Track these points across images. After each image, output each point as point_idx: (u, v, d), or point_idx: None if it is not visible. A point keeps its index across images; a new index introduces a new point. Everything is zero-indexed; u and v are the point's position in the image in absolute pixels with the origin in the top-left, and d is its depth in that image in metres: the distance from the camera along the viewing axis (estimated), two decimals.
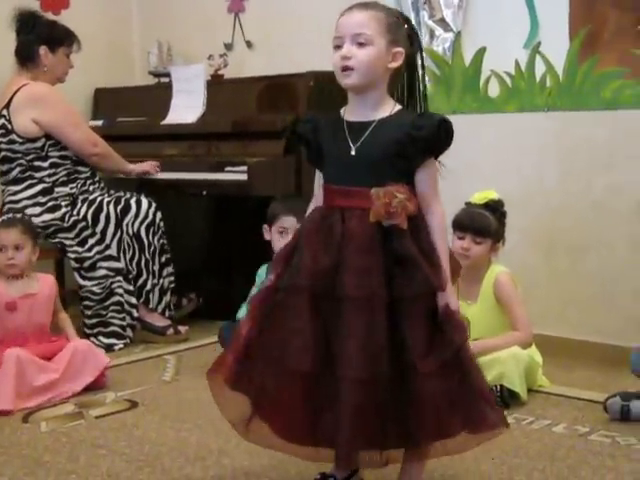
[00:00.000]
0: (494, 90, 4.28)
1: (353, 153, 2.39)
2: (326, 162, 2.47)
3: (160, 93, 5.25)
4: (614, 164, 3.97)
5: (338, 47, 2.39)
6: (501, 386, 3.44)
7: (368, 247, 2.33)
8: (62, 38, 4.56)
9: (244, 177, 4.35)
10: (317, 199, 2.52)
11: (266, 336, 2.41)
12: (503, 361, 3.47)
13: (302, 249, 2.40)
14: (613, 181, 3.98)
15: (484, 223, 3.64)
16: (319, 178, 2.52)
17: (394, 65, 2.40)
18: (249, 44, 5.27)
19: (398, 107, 2.43)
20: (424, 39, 4.43)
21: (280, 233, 3.82)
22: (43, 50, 4.49)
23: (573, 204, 4.10)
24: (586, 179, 4.06)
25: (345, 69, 2.36)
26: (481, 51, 4.29)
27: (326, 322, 2.33)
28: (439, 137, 2.36)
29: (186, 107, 5.01)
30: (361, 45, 2.35)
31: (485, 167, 4.30)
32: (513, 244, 3.84)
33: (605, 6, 3.94)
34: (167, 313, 4.61)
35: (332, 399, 2.30)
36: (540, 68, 4.12)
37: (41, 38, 4.49)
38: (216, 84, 5.09)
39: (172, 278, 4.63)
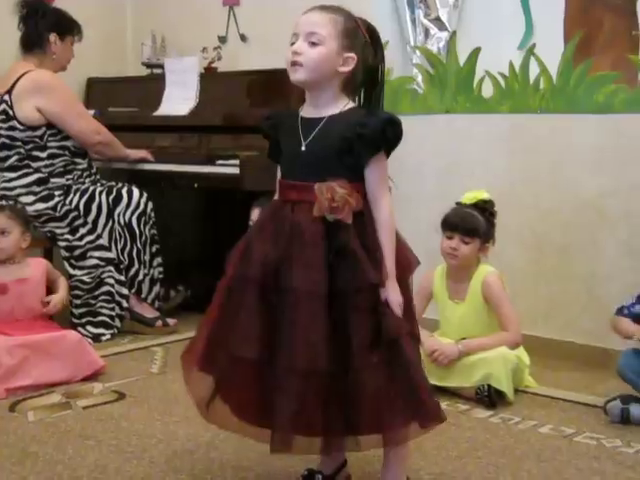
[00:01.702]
0: (488, 91, 4.29)
1: (303, 149, 2.44)
2: (282, 157, 2.53)
3: (153, 84, 5.24)
4: (604, 167, 3.99)
5: (293, 44, 2.44)
6: (488, 386, 3.45)
7: (313, 241, 2.38)
8: (70, 26, 4.57)
9: (236, 171, 4.35)
10: (277, 193, 2.56)
11: (225, 323, 2.48)
12: (490, 361, 3.48)
13: (253, 240, 2.47)
14: (603, 184, 3.99)
15: (473, 223, 3.65)
16: (279, 173, 2.57)
17: (344, 69, 2.44)
18: (243, 38, 5.26)
19: (350, 104, 2.47)
20: (419, 37, 4.45)
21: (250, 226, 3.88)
22: (53, 37, 4.48)
23: (563, 206, 4.11)
24: (576, 181, 4.07)
25: (294, 64, 2.42)
26: (476, 51, 4.29)
27: (272, 312, 2.39)
28: (384, 135, 2.39)
29: (179, 99, 5.00)
30: (312, 44, 2.40)
31: (476, 167, 4.31)
32: (502, 244, 3.84)
33: (600, 10, 3.96)
34: (156, 304, 4.61)
35: (276, 385, 2.37)
36: (534, 70, 4.13)
37: (51, 25, 4.49)
38: (209, 77, 5.08)
39: (161, 269, 4.63)
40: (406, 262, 2.50)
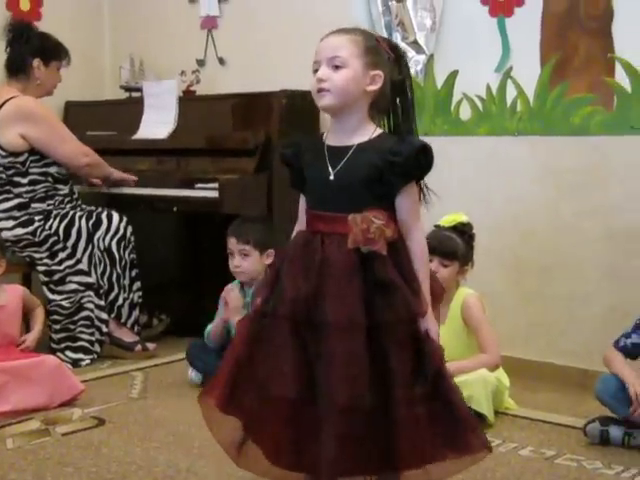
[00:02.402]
0: (465, 113, 4.31)
1: (332, 178, 2.38)
2: (308, 187, 2.47)
3: (131, 108, 5.24)
4: (582, 189, 4.01)
5: (316, 71, 2.39)
6: (469, 408, 3.44)
7: (347, 273, 2.31)
8: (56, 51, 4.55)
9: (215, 194, 4.34)
10: (301, 223, 2.51)
11: (254, 360, 2.40)
12: (471, 384, 3.47)
13: (283, 275, 2.39)
14: (581, 206, 4.01)
15: (452, 246, 3.65)
16: (303, 202, 2.52)
17: (372, 88, 2.39)
18: (221, 61, 5.27)
19: (379, 131, 2.42)
20: None
21: (229, 254, 3.91)
22: (37, 62, 4.48)
23: (541, 228, 4.13)
24: (555, 203, 4.09)
25: (320, 91, 2.37)
26: (453, 74, 4.32)
27: (307, 349, 2.31)
28: (417, 163, 2.35)
29: (157, 122, 5.01)
30: (336, 68, 2.36)
31: (455, 190, 4.31)
32: (481, 267, 3.85)
33: (576, 33, 3.99)
34: (136, 328, 4.60)
35: (316, 425, 2.28)
36: (511, 92, 4.16)
37: (35, 50, 4.48)
38: (188, 100, 5.09)
39: (140, 293, 4.61)
40: (437, 290, 2.49)
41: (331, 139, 2.44)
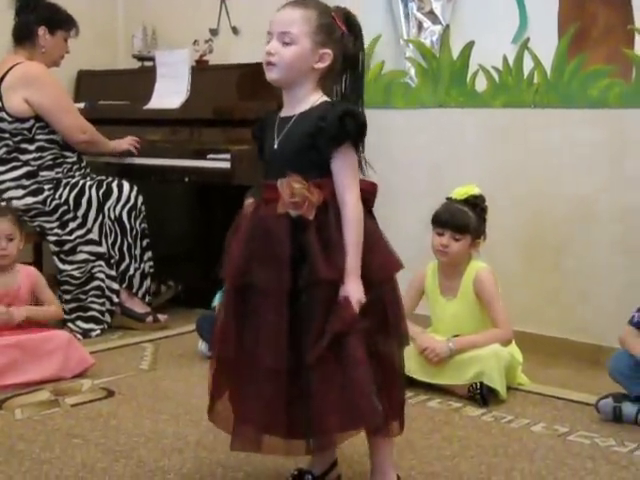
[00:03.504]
0: (481, 85, 4.25)
1: (275, 147, 2.45)
2: (263, 158, 2.54)
3: (144, 77, 5.19)
4: (598, 164, 3.95)
5: (268, 42, 2.43)
6: (481, 383, 3.42)
7: (277, 238, 2.38)
8: (62, 21, 4.52)
9: (227, 165, 4.31)
10: None
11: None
12: (483, 358, 3.45)
13: (231, 241, 2.50)
14: (596, 181, 3.96)
15: (463, 219, 3.60)
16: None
17: (320, 66, 2.42)
18: (235, 30, 5.22)
19: (322, 100, 2.44)
20: (412, 31, 4.41)
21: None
22: (42, 30, 4.44)
23: (556, 202, 4.07)
24: (570, 178, 4.03)
25: (268, 64, 2.42)
26: (469, 45, 4.26)
27: (245, 312, 2.42)
28: (343, 127, 2.36)
29: (170, 92, 4.95)
30: (285, 44, 2.39)
31: (469, 162, 4.28)
32: (494, 241, 3.82)
33: (595, 4, 3.91)
34: (147, 298, 4.57)
35: (252, 384, 2.42)
36: (528, 64, 4.09)
37: (41, 18, 4.45)
38: (201, 70, 5.03)
39: (152, 263, 4.59)
40: (386, 263, 2.47)
41: (283, 111, 2.50)
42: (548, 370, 3.86)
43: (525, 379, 3.67)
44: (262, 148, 2.54)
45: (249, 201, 3.81)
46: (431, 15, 4.37)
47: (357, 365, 2.36)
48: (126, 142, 4.69)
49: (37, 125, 4.37)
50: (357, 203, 2.40)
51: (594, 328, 3.94)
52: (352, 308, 2.35)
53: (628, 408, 3.23)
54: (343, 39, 2.45)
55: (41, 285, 3.93)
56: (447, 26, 4.33)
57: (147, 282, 4.56)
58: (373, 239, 2.44)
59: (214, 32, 5.26)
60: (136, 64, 5.44)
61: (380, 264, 2.44)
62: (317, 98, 2.44)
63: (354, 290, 2.37)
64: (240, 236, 2.46)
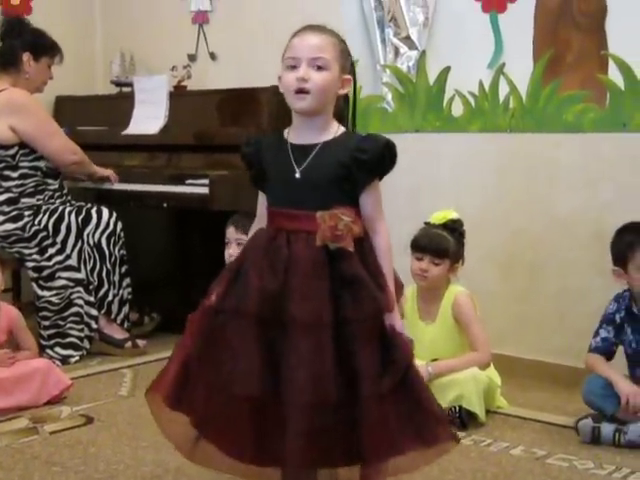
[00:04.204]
0: (457, 109, 4.28)
1: (298, 176, 2.37)
2: (270, 185, 2.45)
3: (122, 103, 5.20)
4: (574, 186, 3.98)
5: (293, 68, 2.36)
6: (460, 407, 3.43)
7: (314, 271, 2.31)
8: (47, 47, 4.52)
9: (205, 190, 4.31)
10: (260, 220, 2.50)
11: (207, 359, 2.37)
12: (462, 382, 3.46)
13: (247, 272, 2.36)
14: (573, 203, 3.99)
15: (442, 244, 3.62)
16: (263, 200, 2.51)
17: (342, 92, 2.42)
18: (213, 56, 5.24)
19: (342, 129, 2.42)
20: (389, 56, 4.44)
21: (225, 244, 3.86)
22: (27, 56, 4.44)
23: (533, 225, 4.10)
24: (546, 201, 4.06)
25: (300, 92, 2.34)
26: (445, 70, 4.29)
27: (273, 347, 2.29)
28: (383, 160, 2.35)
29: (148, 118, 4.97)
30: (319, 69, 2.35)
31: (446, 186, 4.30)
32: (472, 264, 3.83)
33: (569, 30, 3.95)
34: (125, 325, 4.56)
35: (280, 423, 2.26)
36: (504, 89, 4.13)
37: (26, 44, 4.45)
38: (179, 95, 5.05)
39: (130, 289, 4.58)
40: (398, 286, 2.48)
41: (294, 137, 2.43)
42: (526, 393, 3.88)
43: (504, 402, 3.68)
44: (260, 174, 2.47)
45: (230, 228, 3.85)
46: (407, 41, 4.40)
47: (424, 390, 2.39)
48: (108, 171, 4.70)
49: (21, 152, 4.36)
50: (387, 232, 2.41)
51: (572, 350, 3.95)
52: (404, 337, 2.36)
53: (606, 428, 3.25)
54: (352, 66, 2.46)
55: (20, 327, 3.87)
56: (423, 52, 4.36)
57: (126, 308, 4.55)
58: None
59: (192, 58, 5.28)
60: (114, 90, 5.45)
61: (396, 290, 2.43)
62: (336, 128, 2.41)
63: (398, 318, 2.38)
64: (261, 268, 2.34)
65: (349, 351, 2.28)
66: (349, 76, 2.42)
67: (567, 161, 3.99)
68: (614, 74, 3.85)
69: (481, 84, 4.18)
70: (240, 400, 2.29)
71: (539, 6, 4.02)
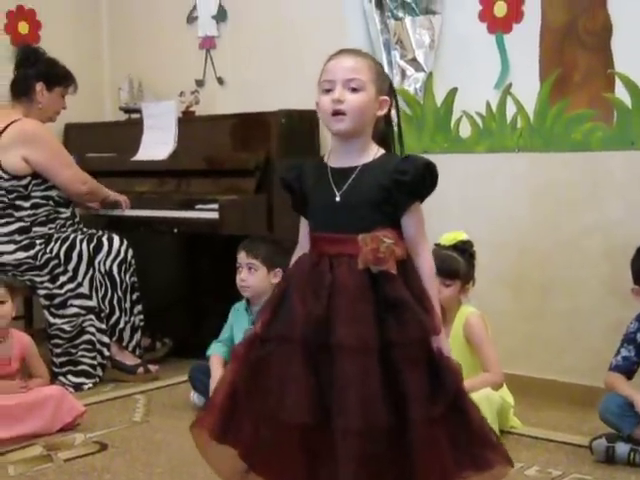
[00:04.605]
0: (465, 130, 4.29)
1: (338, 199, 2.37)
2: (311, 209, 2.46)
3: (131, 129, 5.23)
4: (583, 205, 3.99)
5: (328, 91, 2.38)
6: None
7: (359, 295, 2.30)
8: (60, 77, 4.54)
9: (215, 215, 4.32)
10: (302, 246, 2.50)
11: (254, 389, 2.36)
12: (475, 403, 3.45)
13: (291, 298, 2.36)
14: (582, 222, 3.99)
15: (453, 266, 3.63)
16: (304, 225, 2.51)
17: (380, 113, 2.41)
18: (220, 81, 5.26)
19: (381, 152, 2.42)
20: (396, 79, 4.44)
21: (237, 269, 3.86)
22: (40, 86, 4.46)
23: (542, 244, 4.10)
24: (555, 220, 4.06)
25: (337, 113, 2.36)
26: (452, 91, 4.31)
27: (320, 372, 2.28)
28: (424, 181, 2.35)
29: (157, 143, 5.00)
30: (354, 90, 2.36)
31: (455, 207, 4.30)
32: (483, 284, 3.84)
33: (575, 49, 3.97)
34: (137, 351, 4.57)
35: (331, 449, 2.24)
36: (511, 109, 4.14)
37: (40, 74, 4.47)
38: (187, 121, 5.08)
39: (142, 316, 4.58)
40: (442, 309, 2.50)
41: (333, 161, 2.44)
42: (540, 412, 3.87)
43: (517, 422, 3.68)
44: (302, 199, 2.47)
45: (241, 253, 3.86)
46: (414, 63, 4.42)
47: (476, 413, 2.39)
48: (122, 196, 4.72)
49: (33, 182, 4.38)
50: (431, 255, 2.42)
51: (584, 369, 3.95)
52: (452, 361, 2.35)
53: (621, 448, 3.24)
54: (391, 88, 2.48)
55: (32, 354, 3.90)
56: (430, 73, 4.38)
57: (137, 335, 4.56)
58: None
59: (200, 83, 5.31)
60: (123, 116, 5.49)
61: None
62: (375, 150, 2.41)
63: (445, 341, 2.37)
64: (306, 294, 2.33)
65: (397, 375, 2.27)
66: (386, 97, 2.42)
67: (575, 180, 4.00)
68: (621, 92, 3.86)
69: (488, 104, 4.19)
70: (290, 428, 2.27)
71: (544, 26, 4.04)
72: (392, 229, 2.34)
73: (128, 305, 4.51)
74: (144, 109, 5.16)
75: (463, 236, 3.73)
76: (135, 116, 5.35)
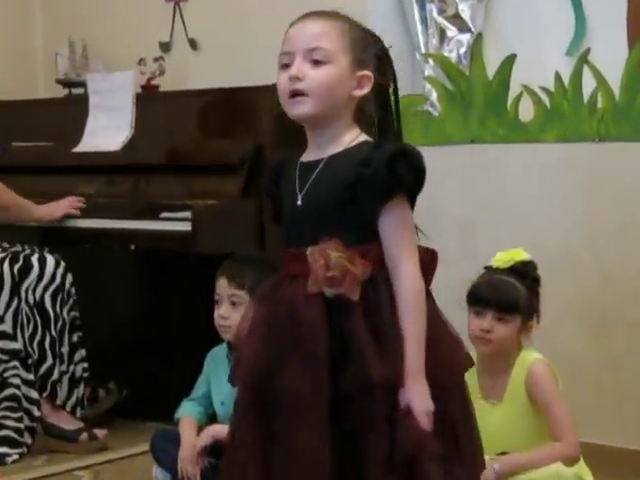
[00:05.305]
0: (526, 112, 4.31)
1: (299, 203, 2.44)
2: (283, 219, 2.53)
3: (72, 109, 5.26)
4: None
5: (286, 66, 2.42)
6: None
7: (310, 328, 2.34)
8: None
9: (186, 227, 4.30)
10: None
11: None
12: None
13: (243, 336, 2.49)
14: None
15: (510, 295, 3.61)
16: None
17: (359, 93, 2.43)
18: (193, 44, 5.29)
19: (360, 139, 2.45)
20: (432, 42, 4.46)
21: (215, 302, 3.86)
22: None
23: (631, 266, 4.11)
24: None
25: (294, 94, 2.40)
26: (509, 59, 4.33)
27: (268, 434, 2.35)
28: (395, 173, 2.34)
29: (107, 129, 5.01)
30: (317, 63, 2.39)
31: (512, 215, 4.31)
32: (551, 321, 3.83)
33: None
34: (78, 412, 4.56)
35: None
36: (589, 84, 4.17)
37: None
38: (149, 98, 5.11)
39: (86, 364, 4.59)
40: (454, 358, 2.47)
41: (306, 154, 2.49)
42: None
43: None
44: (280, 207, 2.54)
45: (221, 280, 3.86)
46: (457, 20, 4.45)
47: None
48: (63, 206, 4.68)
49: None
50: (417, 276, 2.39)
51: None
52: (420, 421, 2.34)
53: None
54: (381, 59, 2.48)
55: None
56: (479, 35, 4.41)
57: (79, 390, 4.56)
58: (434, 325, 2.41)
59: (166, 47, 5.34)
60: (61, 92, 5.51)
61: (445, 360, 2.42)
62: (353, 137, 2.44)
63: (419, 396, 2.35)
64: (256, 327, 2.43)
65: (351, 436, 2.31)
66: (367, 72, 2.43)
67: None
68: None
69: (558, 77, 4.22)
70: None
71: None
72: (365, 241, 2.37)
73: (65, 349, 4.51)
74: (90, 82, 5.15)
75: (523, 255, 3.71)
76: (78, 91, 5.37)
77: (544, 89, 4.26)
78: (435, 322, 2.42)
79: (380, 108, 2.50)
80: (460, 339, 2.52)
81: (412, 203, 2.42)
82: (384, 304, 2.37)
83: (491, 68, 4.39)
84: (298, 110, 2.40)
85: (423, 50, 4.54)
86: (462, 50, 4.45)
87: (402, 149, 2.37)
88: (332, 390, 2.30)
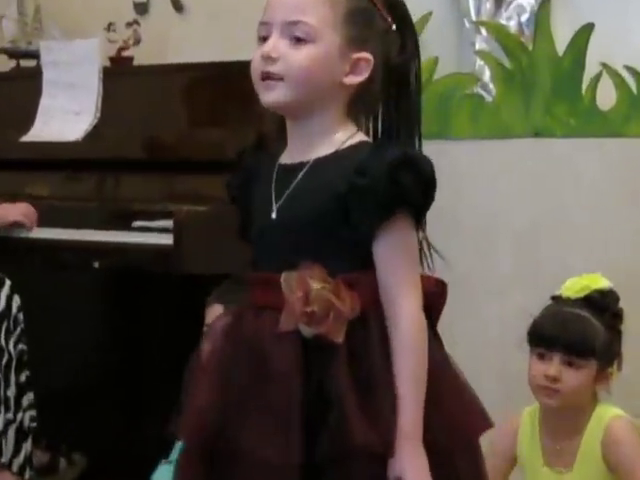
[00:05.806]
0: (607, 98, 4.31)
1: (274, 216, 2.44)
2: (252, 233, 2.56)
3: (21, 86, 5.28)
4: None
5: (264, 39, 2.43)
6: None
7: (281, 375, 2.33)
8: None
9: (167, 240, 4.28)
10: None
11: None
12: None
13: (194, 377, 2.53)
14: None
15: (584, 334, 3.59)
16: None
17: (353, 80, 2.43)
18: (177, 5, 5.29)
19: (357, 138, 2.46)
20: (485, 6, 4.43)
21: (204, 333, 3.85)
22: None
23: None
24: None
25: (266, 77, 2.41)
26: (585, 30, 4.31)
27: None
28: (397, 186, 2.33)
29: (66, 112, 5.01)
30: (298, 41, 2.39)
31: (587, 231, 4.27)
32: (635, 369, 3.82)
33: None
34: (27, 473, 4.55)
35: None
36: None
37: None
38: (119, 74, 5.12)
39: (34, 412, 4.60)
40: (464, 418, 2.46)
41: (285, 154, 2.52)
42: None
43: None
44: (248, 218, 2.54)
45: (215, 309, 3.83)
46: None
47: None
48: (17, 211, 4.67)
49: None
50: (418, 314, 2.38)
51: None
52: None
53: None
54: (388, 37, 2.45)
55: None
56: None
57: (27, 445, 4.56)
58: (441, 375, 2.40)
59: (142, 8, 5.35)
60: (8, 64, 5.52)
61: (453, 420, 2.41)
62: (347, 135, 2.44)
63: (414, 469, 2.33)
64: (209, 368, 2.45)
65: None
66: (366, 54, 2.41)
67: None
68: None
69: None
70: None
71: None
72: (355, 268, 2.38)
73: (12, 392, 4.51)
74: (44, 52, 5.15)
75: (602, 283, 3.69)
76: (28, 64, 5.40)
77: (629, 68, 4.27)
78: (441, 372, 2.42)
79: (390, 99, 2.49)
80: (474, 395, 2.50)
81: (418, 223, 2.41)
82: (375, 349, 2.37)
83: (561, 41, 4.39)
84: (268, 97, 2.41)
85: (474, 17, 4.54)
86: (524, 17, 4.45)
87: (407, 155, 2.36)
88: (305, 456, 2.29)
